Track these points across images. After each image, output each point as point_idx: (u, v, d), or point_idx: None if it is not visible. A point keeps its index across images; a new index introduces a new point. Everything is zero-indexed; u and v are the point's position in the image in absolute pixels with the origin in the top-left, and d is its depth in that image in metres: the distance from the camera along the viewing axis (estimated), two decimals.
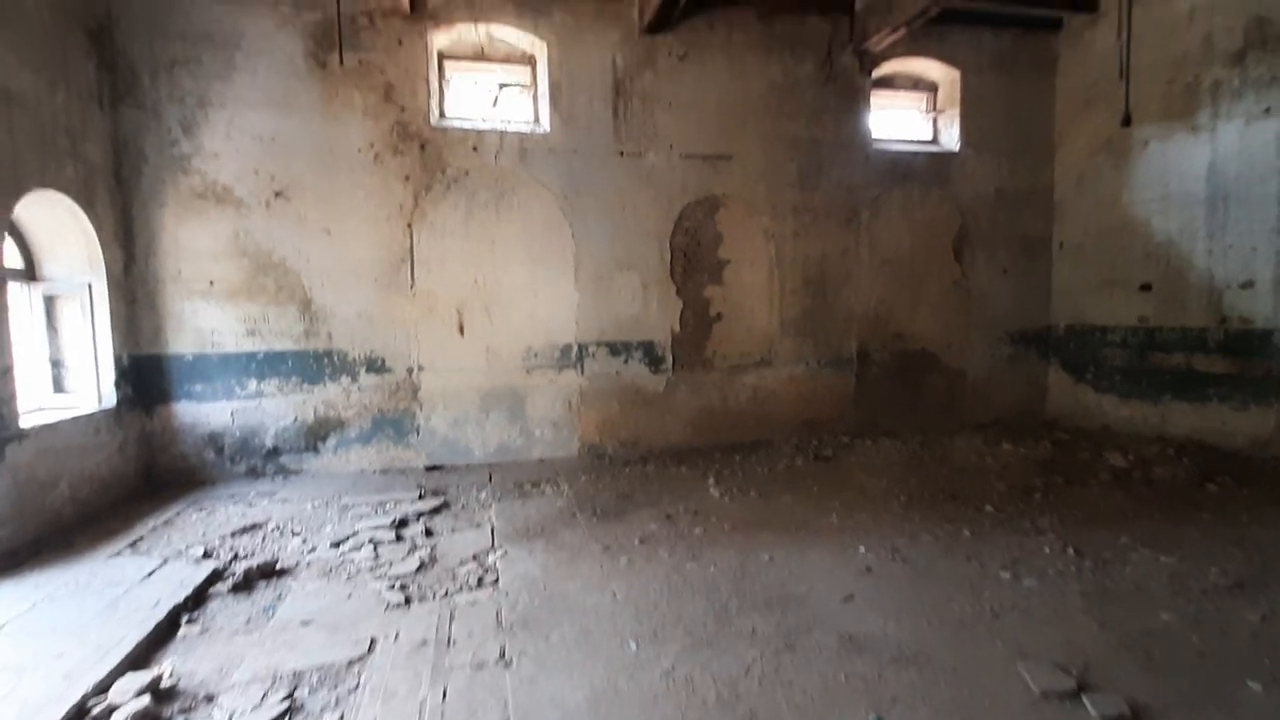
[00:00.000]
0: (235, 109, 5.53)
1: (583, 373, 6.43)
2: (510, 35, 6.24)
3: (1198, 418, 6.14)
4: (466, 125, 6.10)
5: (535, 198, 6.20)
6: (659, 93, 6.43)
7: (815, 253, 6.92)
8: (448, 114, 6.21)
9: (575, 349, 6.40)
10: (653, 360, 6.60)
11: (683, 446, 6.59)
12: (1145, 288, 6.52)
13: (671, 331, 6.62)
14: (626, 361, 6.54)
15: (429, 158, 5.95)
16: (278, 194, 5.65)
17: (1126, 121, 4.81)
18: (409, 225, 5.93)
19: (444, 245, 6.03)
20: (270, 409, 5.75)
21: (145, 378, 5.47)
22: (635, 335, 6.54)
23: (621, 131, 6.36)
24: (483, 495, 5.15)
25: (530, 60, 6.39)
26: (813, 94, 6.81)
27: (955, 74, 7.21)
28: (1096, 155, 6.98)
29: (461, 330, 6.13)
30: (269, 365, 5.73)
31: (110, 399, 5.13)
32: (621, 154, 6.37)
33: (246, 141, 5.57)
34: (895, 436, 6.73)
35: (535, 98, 6.39)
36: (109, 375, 5.14)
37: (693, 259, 6.66)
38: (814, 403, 7.04)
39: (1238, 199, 5.71)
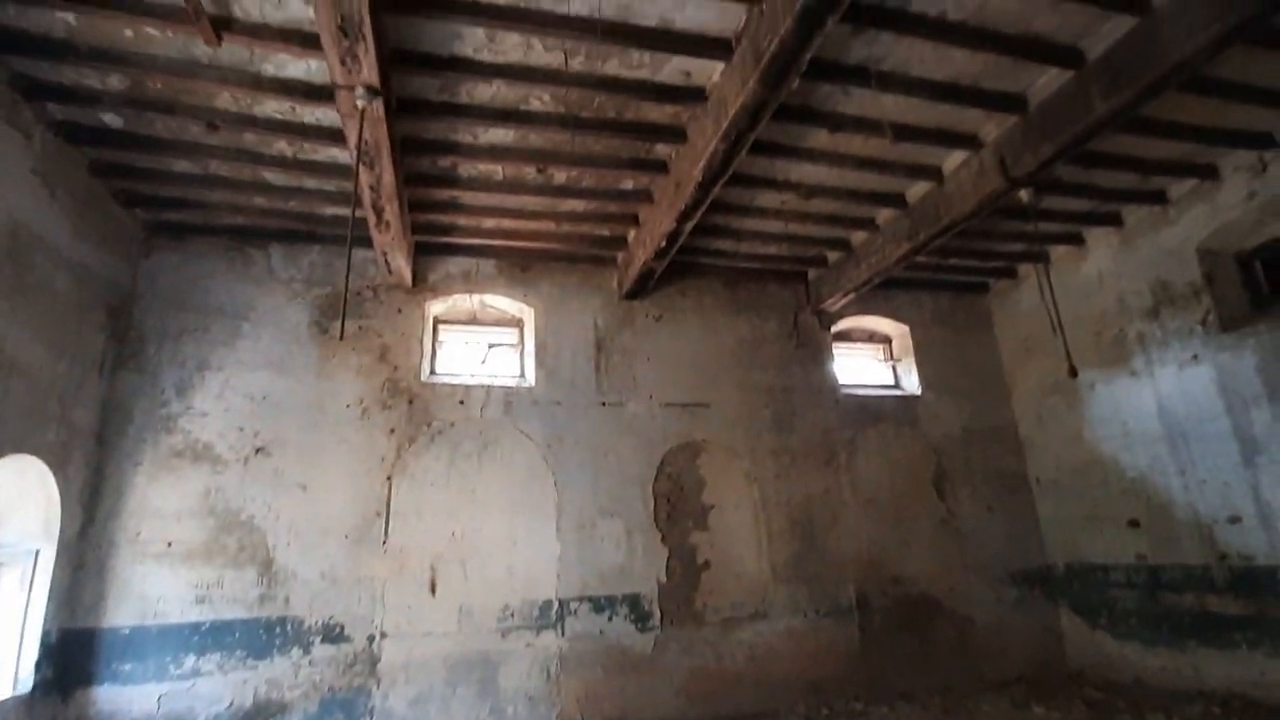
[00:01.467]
0: (233, 371, 5.77)
1: (563, 633, 5.88)
2: (501, 303, 6.87)
3: (1232, 667, 5.65)
4: (455, 381, 6.39)
5: (519, 447, 6.27)
6: (638, 348, 6.91)
7: (799, 494, 6.88)
8: (438, 370, 6.54)
9: (556, 606, 5.93)
10: (639, 616, 6.10)
11: None
12: (1134, 524, 6.45)
13: (658, 582, 6.24)
14: (611, 618, 6.04)
15: (416, 411, 6.11)
16: (259, 450, 5.65)
17: (1073, 374, 5.19)
18: (388, 477, 5.87)
19: (423, 496, 5.90)
20: (204, 692, 5.05)
21: (72, 656, 4.87)
22: (620, 588, 6.13)
23: (603, 384, 6.69)
24: None
25: (519, 322, 6.96)
26: (779, 347, 7.38)
27: (904, 328, 7.94)
28: (1049, 397, 7.41)
29: (433, 589, 5.71)
30: (213, 637, 5.17)
31: (27, 684, 4.50)
32: (603, 404, 6.62)
33: (238, 400, 5.72)
34: (912, 700, 6.04)
35: (522, 355, 6.83)
36: (31, 655, 4.56)
37: (676, 504, 6.55)
38: (817, 659, 6.40)
39: (1195, 437, 5.93)
